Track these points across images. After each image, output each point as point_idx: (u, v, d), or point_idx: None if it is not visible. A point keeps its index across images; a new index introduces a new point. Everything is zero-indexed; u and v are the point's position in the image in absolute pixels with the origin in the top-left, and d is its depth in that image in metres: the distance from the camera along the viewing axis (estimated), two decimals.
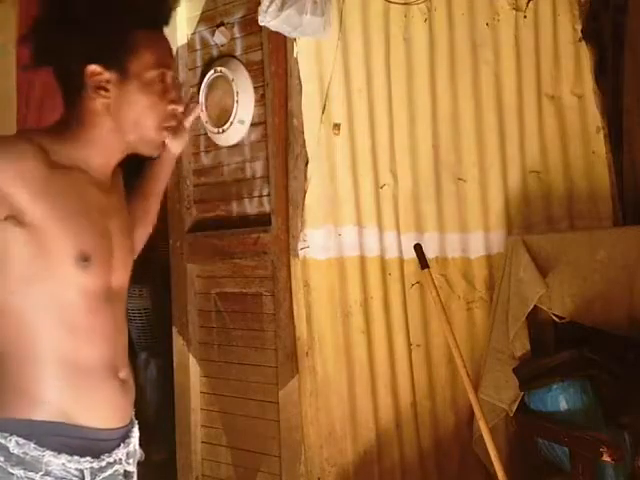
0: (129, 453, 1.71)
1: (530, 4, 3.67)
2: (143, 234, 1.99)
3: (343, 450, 3.17)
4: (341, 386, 3.17)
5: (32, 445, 1.54)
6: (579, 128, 3.80)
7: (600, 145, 3.83)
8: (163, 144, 1.74)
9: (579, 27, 3.80)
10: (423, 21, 3.40)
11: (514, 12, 3.63)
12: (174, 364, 3.68)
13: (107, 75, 1.61)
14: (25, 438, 1.54)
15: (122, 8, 1.62)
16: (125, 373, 1.70)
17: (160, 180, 2.02)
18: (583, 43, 3.81)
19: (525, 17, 3.66)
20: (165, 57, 1.68)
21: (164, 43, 1.69)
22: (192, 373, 3.58)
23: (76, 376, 1.59)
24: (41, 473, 1.54)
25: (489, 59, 3.57)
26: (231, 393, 3.45)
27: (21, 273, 1.55)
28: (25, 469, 1.53)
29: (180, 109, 1.70)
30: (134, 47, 1.62)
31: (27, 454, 1.54)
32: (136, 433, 1.76)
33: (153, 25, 1.66)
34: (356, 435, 3.20)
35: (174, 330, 3.68)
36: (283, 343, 3.19)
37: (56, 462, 1.56)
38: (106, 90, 1.62)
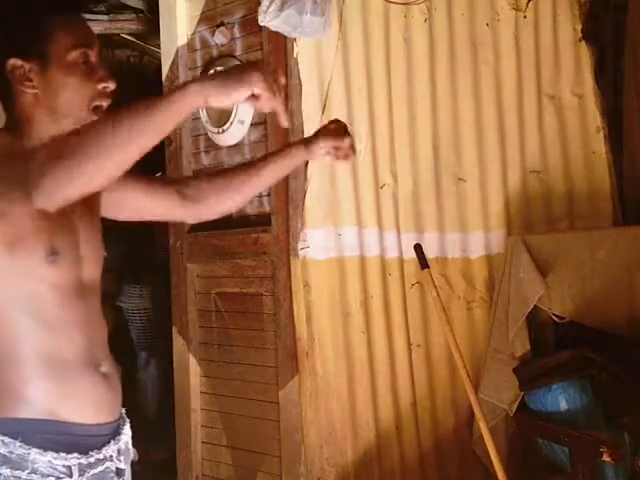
0: (120, 450, 1.70)
1: (530, 4, 3.67)
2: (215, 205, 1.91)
3: (343, 450, 3.17)
4: (341, 386, 3.17)
5: (17, 443, 1.54)
6: (579, 128, 3.80)
7: (600, 145, 3.83)
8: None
9: (579, 27, 3.80)
10: (423, 21, 3.40)
11: (514, 12, 3.63)
12: (174, 364, 3.68)
13: (27, 66, 1.61)
14: (10, 437, 1.54)
15: None
16: (107, 367, 1.69)
17: (274, 171, 1.91)
18: (583, 43, 3.81)
19: (525, 17, 3.66)
20: (84, 37, 1.66)
21: (81, 24, 1.68)
22: (192, 373, 3.58)
23: (56, 372, 1.59)
24: (27, 471, 1.54)
25: (489, 59, 3.57)
26: (231, 393, 3.45)
27: None
28: (12, 468, 1.53)
29: (111, 86, 1.67)
30: (48, 33, 1.61)
31: (13, 453, 1.53)
32: (127, 430, 1.75)
33: (65, 10, 1.65)
34: (356, 435, 3.20)
35: (174, 330, 3.68)
36: (283, 343, 3.20)
37: (42, 460, 1.55)
38: (30, 80, 1.61)
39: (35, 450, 1.55)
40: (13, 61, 1.60)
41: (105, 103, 1.67)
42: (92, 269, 1.69)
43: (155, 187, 1.89)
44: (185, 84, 1.40)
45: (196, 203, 1.89)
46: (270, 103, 1.43)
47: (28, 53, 1.61)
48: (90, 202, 1.74)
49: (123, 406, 1.76)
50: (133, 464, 1.76)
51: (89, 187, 1.46)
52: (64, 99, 1.63)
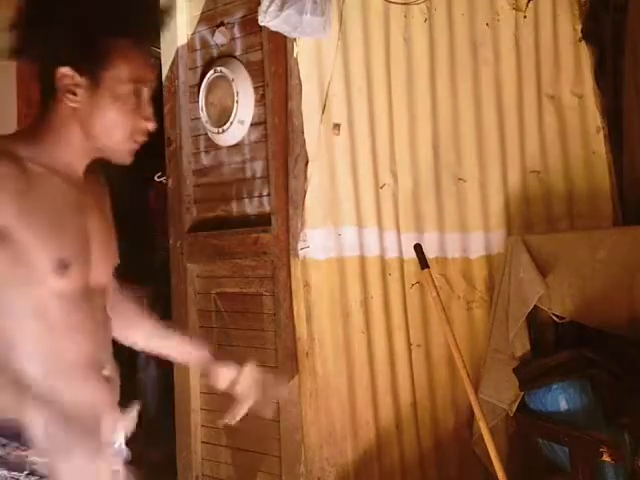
0: (116, 452, 1.71)
1: (530, 4, 3.67)
2: None
3: (343, 450, 3.17)
4: (341, 386, 3.17)
5: (15, 444, 1.53)
6: (579, 128, 3.80)
7: (600, 145, 3.83)
8: (131, 153, 1.68)
9: (579, 27, 3.80)
10: (423, 21, 3.40)
11: (514, 12, 3.63)
12: (174, 364, 3.68)
13: (77, 79, 1.59)
14: (8, 438, 1.53)
15: (104, 14, 1.59)
16: (109, 370, 1.70)
17: (170, 348, 2.01)
18: (583, 43, 3.81)
19: (525, 17, 3.66)
20: (143, 72, 1.64)
21: (145, 57, 1.66)
22: (192, 373, 3.58)
23: (59, 375, 1.59)
24: (26, 472, 1.54)
25: (489, 59, 3.57)
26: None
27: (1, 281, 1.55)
28: (9, 469, 1.53)
29: (151, 127, 1.66)
30: (111, 56, 1.59)
31: (10, 454, 1.53)
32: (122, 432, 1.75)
33: (135, 37, 1.63)
34: (356, 435, 3.20)
35: None
36: (283, 343, 3.19)
37: (40, 461, 1.55)
38: (74, 94, 1.60)
39: (33, 451, 1.54)
40: (66, 69, 1.58)
41: (143, 139, 1.67)
42: (101, 273, 1.69)
43: None
44: None
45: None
46: None
47: (82, 68, 1.59)
48: (100, 205, 1.75)
49: (123, 406, 1.76)
50: (127, 464, 1.76)
51: None
52: (102, 124, 1.62)
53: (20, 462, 1.54)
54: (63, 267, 1.57)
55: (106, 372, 1.69)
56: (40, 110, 1.66)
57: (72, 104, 1.60)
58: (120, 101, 1.61)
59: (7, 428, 1.54)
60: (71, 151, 1.64)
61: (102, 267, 1.70)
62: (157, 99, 4.02)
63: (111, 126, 1.62)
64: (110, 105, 1.61)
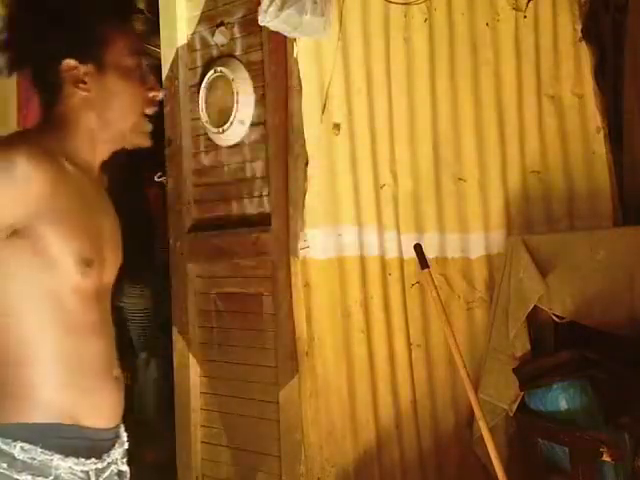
0: (123, 453, 1.71)
1: (530, 4, 3.67)
2: None
3: (343, 450, 3.17)
4: (341, 386, 3.17)
5: (39, 450, 1.52)
6: (579, 128, 3.80)
7: (600, 145, 3.83)
8: (149, 133, 1.69)
9: (579, 27, 3.80)
10: (423, 21, 3.40)
11: (514, 12, 3.63)
12: (174, 364, 3.68)
13: (83, 68, 1.60)
14: (30, 443, 1.51)
15: (90, 2, 1.63)
16: (118, 371, 1.70)
17: None
18: (583, 43, 3.81)
19: (525, 17, 3.66)
20: (138, 44, 1.68)
21: (133, 32, 1.69)
22: (192, 373, 3.58)
23: (76, 376, 1.58)
24: (51, 478, 1.52)
25: (489, 59, 3.57)
26: (231, 393, 3.45)
27: (23, 280, 1.54)
28: (33, 474, 1.51)
29: (160, 95, 1.68)
30: (107, 37, 1.62)
31: (34, 459, 1.51)
32: (124, 432, 1.75)
33: (122, 15, 1.67)
34: (356, 435, 3.20)
35: (174, 330, 3.68)
36: (283, 343, 3.19)
37: (64, 465, 1.54)
38: (84, 83, 1.61)
39: (57, 456, 1.53)
40: (69, 61, 1.59)
41: (154, 111, 1.68)
42: (111, 271, 1.69)
43: None
44: None
45: None
46: None
47: (85, 55, 1.60)
48: (108, 202, 1.75)
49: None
50: (128, 465, 1.76)
51: None
52: (118, 104, 1.63)
53: (44, 467, 1.52)
54: (86, 266, 1.56)
55: (115, 373, 1.68)
56: (46, 114, 1.66)
57: (84, 93, 1.61)
58: (127, 76, 1.63)
59: (27, 432, 1.53)
60: (89, 146, 1.64)
61: (112, 265, 1.70)
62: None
63: (125, 104, 1.64)
64: (119, 83, 1.63)
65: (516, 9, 3.63)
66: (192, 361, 3.58)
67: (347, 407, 3.17)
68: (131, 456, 1.77)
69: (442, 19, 3.45)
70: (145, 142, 1.70)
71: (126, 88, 1.63)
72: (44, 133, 1.62)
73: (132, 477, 1.75)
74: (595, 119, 3.82)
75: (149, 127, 1.68)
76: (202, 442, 3.58)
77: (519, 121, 3.64)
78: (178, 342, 3.65)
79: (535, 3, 3.68)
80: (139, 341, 5.00)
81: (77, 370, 1.59)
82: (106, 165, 1.74)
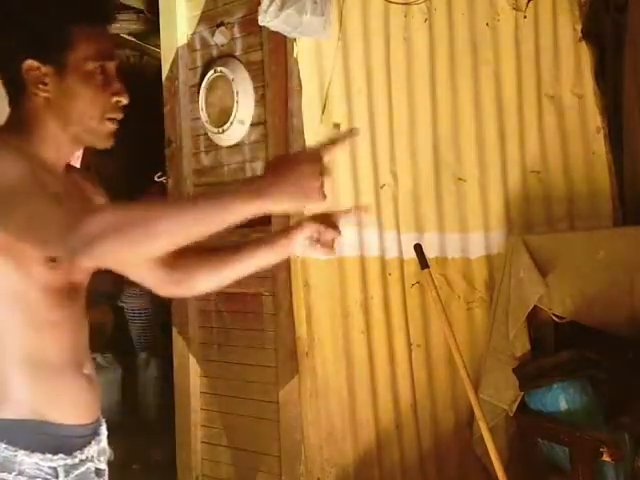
0: (100, 451, 1.71)
1: (530, 4, 3.67)
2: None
3: (343, 450, 3.17)
4: (341, 386, 3.17)
5: (3, 445, 1.52)
6: (579, 128, 3.80)
7: (600, 145, 3.82)
8: (110, 136, 1.69)
9: (579, 27, 3.80)
10: (423, 21, 3.40)
11: (514, 12, 3.63)
12: (174, 364, 3.68)
13: (44, 69, 1.60)
14: None
15: (57, 4, 1.62)
16: (89, 369, 1.70)
17: (259, 261, 1.91)
18: (583, 43, 3.80)
19: (525, 17, 3.66)
20: (105, 50, 1.66)
21: (104, 37, 1.67)
22: (192, 373, 3.58)
23: (42, 372, 1.59)
24: (14, 473, 1.53)
25: (489, 59, 3.57)
26: (231, 393, 3.45)
27: None
28: None
29: (124, 100, 1.67)
30: (70, 41, 1.61)
31: None
32: (104, 431, 1.75)
33: (91, 21, 1.65)
34: (356, 435, 3.20)
35: (174, 330, 3.68)
36: (283, 343, 3.19)
37: (29, 461, 1.54)
38: (45, 84, 1.61)
39: (22, 452, 1.54)
40: (31, 62, 1.60)
41: (118, 116, 1.67)
42: (83, 270, 1.68)
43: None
44: (253, 187, 1.43)
45: (178, 287, 1.85)
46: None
47: (47, 57, 1.60)
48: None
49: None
50: (110, 464, 1.76)
51: (131, 259, 1.50)
52: (76, 107, 1.63)
53: (7, 462, 1.53)
54: (51, 260, 1.56)
55: (86, 371, 1.68)
56: (13, 113, 1.66)
57: (44, 94, 1.61)
58: (87, 81, 1.62)
59: None
60: (54, 145, 1.64)
61: (83, 267, 1.68)
62: (157, 99, 4.03)
63: (84, 106, 1.63)
64: (80, 85, 1.62)
65: (516, 9, 3.63)
66: (192, 361, 3.58)
67: (347, 407, 3.18)
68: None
69: (442, 19, 3.45)
70: (106, 144, 1.69)
71: (86, 92, 1.63)
72: (11, 133, 1.63)
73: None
74: (595, 119, 3.82)
75: (111, 129, 1.67)
76: (202, 442, 3.58)
77: (519, 121, 3.64)
78: (178, 342, 3.65)
79: (535, 3, 3.68)
80: (139, 341, 5.01)
81: (43, 367, 1.59)
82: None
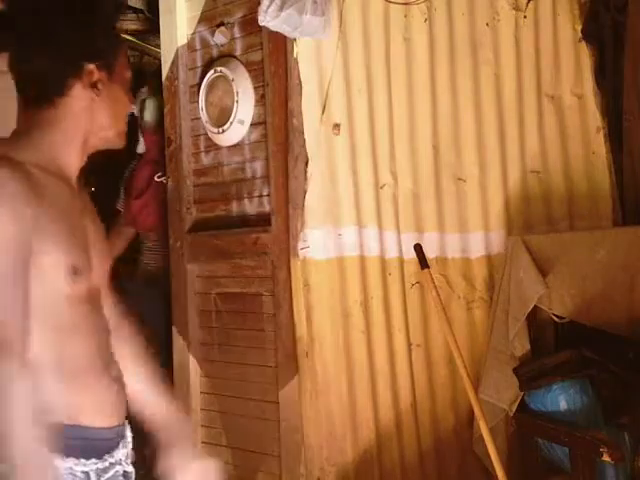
0: (127, 453, 1.71)
1: (530, 4, 3.67)
2: None
3: (343, 450, 3.17)
4: (341, 386, 3.17)
5: None
6: (579, 128, 3.80)
7: (600, 145, 3.83)
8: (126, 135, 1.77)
9: (579, 27, 3.80)
10: (423, 21, 3.40)
11: (514, 12, 3.63)
12: (174, 364, 3.68)
13: (97, 75, 1.65)
14: None
15: (107, 11, 1.69)
16: (116, 371, 1.71)
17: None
18: (583, 43, 3.81)
19: (525, 17, 3.66)
20: (128, 56, 1.78)
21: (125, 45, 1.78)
22: (192, 373, 3.58)
23: (72, 376, 1.59)
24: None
25: (489, 59, 3.57)
26: (231, 393, 3.45)
27: None
28: None
29: (132, 107, 1.80)
30: (118, 46, 1.70)
31: None
32: (130, 433, 1.76)
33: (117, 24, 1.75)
34: (356, 435, 3.20)
35: (174, 330, 3.68)
36: (283, 343, 3.19)
37: (64, 466, 1.54)
38: (97, 88, 1.65)
39: (56, 456, 1.53)
40: (91, 66, 1.64)
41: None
42: (99, 272, 1.70)
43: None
44: None
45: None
46: None
47: (102, 63, 1.66)
48: (90, 207, 1.75)
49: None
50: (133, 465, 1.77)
51: None
52: (114, 112, 1.70)
53: None
54: (74, 273, 1.58)
55: (113, 373, 1.69)
56: (32, 113, 1.65)
57: (95, 97, 1.65)
58: (124, 87, 1.71)
59: None
60: (70, 151, 1.65)
61: (100, 270, 1.70)
62: (157, 99, 4.01)
63: (120, 111, 1.71)
64: (121, 93, 1.71)
65: (516, 9, 3.63)
66: (192, 361, 3.58)
67: (347, 407, 3.17)
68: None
69: (442, 19, 3.45)
70: (122, 144, 1.77)
71: (123, 97, 1.71)
72: (13, 141, 1.62)
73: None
74: (595, 119, 3.83)
75: (125, 130, 1.76)
76: (202, 442, 3.58)
77: (519, 121, 3.64)
78: (178, 342, 3.65)
79: (535, 3, 3.68)
80: None
81: (71, 371, 1.59)
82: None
